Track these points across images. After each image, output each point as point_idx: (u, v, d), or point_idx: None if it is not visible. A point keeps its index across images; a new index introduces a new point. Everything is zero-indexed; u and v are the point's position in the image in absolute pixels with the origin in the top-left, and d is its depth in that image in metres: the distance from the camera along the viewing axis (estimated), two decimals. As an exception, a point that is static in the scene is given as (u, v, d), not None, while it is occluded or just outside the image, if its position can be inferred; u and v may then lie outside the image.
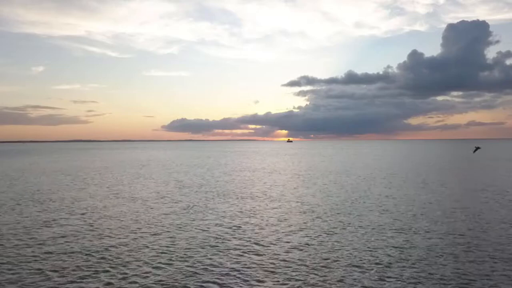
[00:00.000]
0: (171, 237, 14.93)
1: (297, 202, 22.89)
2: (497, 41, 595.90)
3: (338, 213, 19.27)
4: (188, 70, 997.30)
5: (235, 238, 14.81)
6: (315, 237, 14.85)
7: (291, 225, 16.85)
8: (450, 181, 33.03)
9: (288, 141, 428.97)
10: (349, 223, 17.01)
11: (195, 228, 16.38)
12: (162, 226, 16.78)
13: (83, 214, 19.68)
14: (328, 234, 15.28)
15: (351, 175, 39.24)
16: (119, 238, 14.81)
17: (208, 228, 16.48)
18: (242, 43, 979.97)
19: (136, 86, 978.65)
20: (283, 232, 15.59)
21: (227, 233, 15.57)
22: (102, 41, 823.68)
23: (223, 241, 14.38)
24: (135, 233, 15.65)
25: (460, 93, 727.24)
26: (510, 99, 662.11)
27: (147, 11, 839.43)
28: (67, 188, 30.35)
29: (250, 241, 14.34)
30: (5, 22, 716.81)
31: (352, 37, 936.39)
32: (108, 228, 16.47)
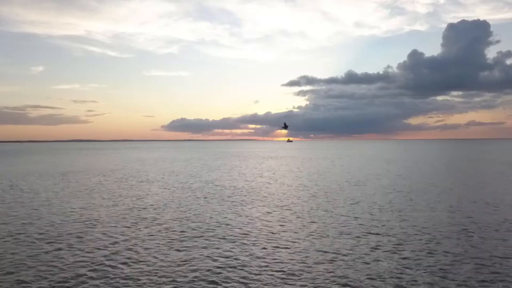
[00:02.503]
0: None
1: (312, 242, 15.16)
2: (498, 41, 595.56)
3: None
4: (188, 70, 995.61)
5: None
6: None
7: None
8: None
9: (288, 141, 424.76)
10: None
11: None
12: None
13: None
14: None
15: (374, 185, 31.53)
16: None
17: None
18: (242, 43, 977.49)
19: (136, 86, 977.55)
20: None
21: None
22: (102, 41, 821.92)
23: None
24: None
25: (460, 93, 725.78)
26: (510, 99, 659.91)
27: (147, 11, 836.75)
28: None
29: None
30: (5, 22, 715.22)
31: (352, 37, 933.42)
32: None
